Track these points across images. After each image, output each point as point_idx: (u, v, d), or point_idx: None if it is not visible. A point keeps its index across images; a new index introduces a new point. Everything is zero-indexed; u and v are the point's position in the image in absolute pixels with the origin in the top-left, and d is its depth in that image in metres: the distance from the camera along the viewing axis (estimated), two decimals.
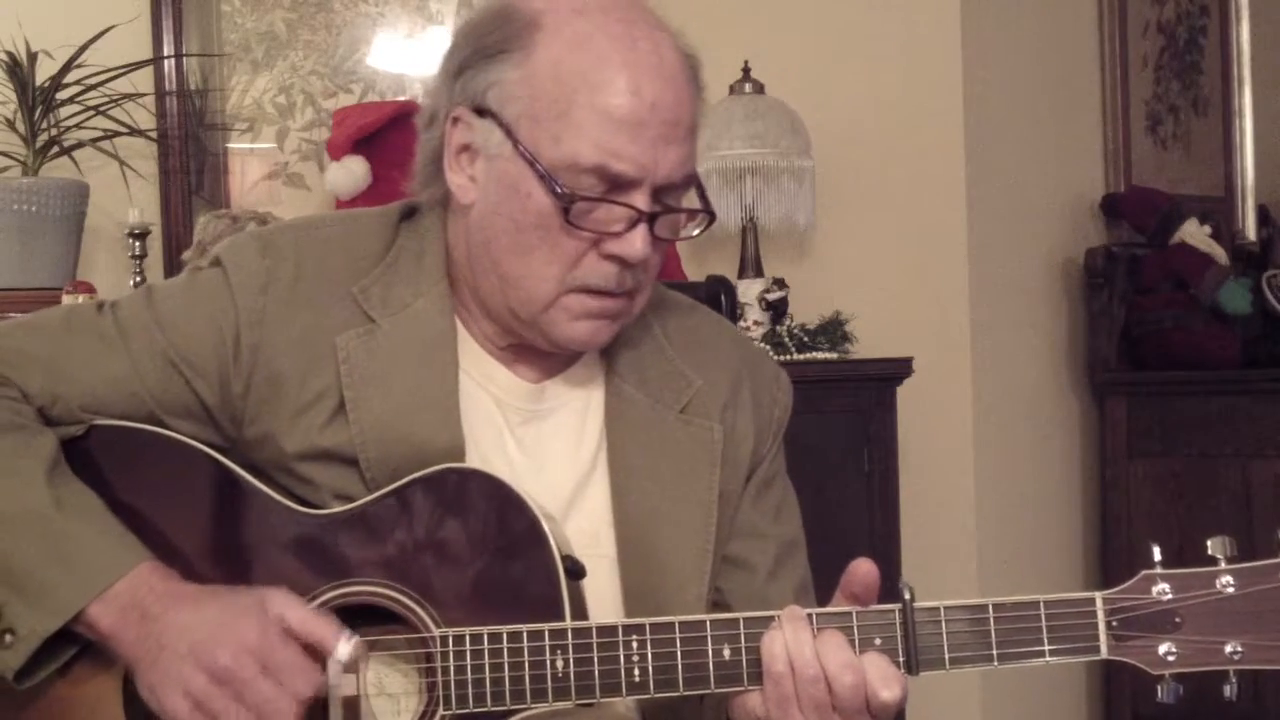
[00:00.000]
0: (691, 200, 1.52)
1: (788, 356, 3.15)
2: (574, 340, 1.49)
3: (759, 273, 3.37)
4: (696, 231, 1.54)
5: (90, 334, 1.51)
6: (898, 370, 3.19)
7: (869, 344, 3.26)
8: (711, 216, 1.54)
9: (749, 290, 3.30)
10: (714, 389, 1.59)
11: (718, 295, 2.98)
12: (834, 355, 3.20)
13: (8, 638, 1.37)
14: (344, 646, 1.36)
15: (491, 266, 1.49)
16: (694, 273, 3.38)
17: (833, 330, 3.22)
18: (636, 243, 1.43)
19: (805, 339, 3.20)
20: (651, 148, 1.41)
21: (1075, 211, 4.00)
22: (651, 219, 1.44)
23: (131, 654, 1.37)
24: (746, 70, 3.41)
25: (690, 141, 1.47)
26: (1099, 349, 3.90)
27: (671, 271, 3.29)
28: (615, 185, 1.42)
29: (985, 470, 3.60)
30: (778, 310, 3.27)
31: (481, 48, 1.47)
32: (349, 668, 1.37)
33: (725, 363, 1.62)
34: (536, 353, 1.55)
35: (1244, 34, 4.38)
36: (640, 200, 1.43)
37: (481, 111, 1.46)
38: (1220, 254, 3.93)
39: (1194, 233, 3.90)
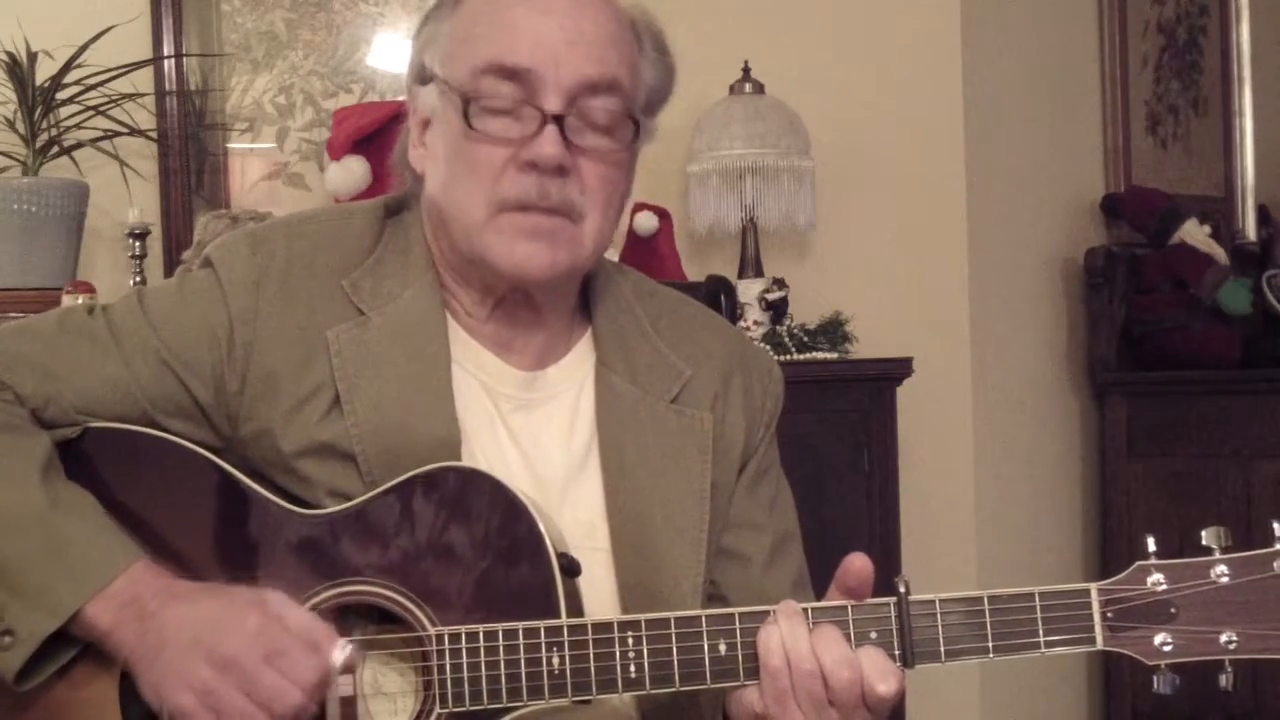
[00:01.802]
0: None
1: (788, 356, 3.15)
2: (514, 263, 1.48)
3: (759, 273, 3.37)
4: (618, 144, 1.50)
5: (83, 336, 1.52)
6: (898, 370, 3.19)
7: (869, 344, 3.27)
8: (636, 124, 1.52)
9: (749, 290, 3.30)
10: (704, 380, 1.59)
11: (718, 295, 2.99)
12: (834, 355, 3.20)
13: (7, 639, 1.37)
14: (339, 653, 1.36)
15: (441, 219, 1.52)
16: (694, 273, 3.38)
17: (833, 330, 3.23)
18: (546, 145, 1.44)
19: (805, 339, 3.20)
20: (552, 49, 1.44)
21: (1075, 211, 4.00)
22: (560, 121, 1.45)
23: (131, 652, 1.37)
24: (746, 70, 3.41)
25: (607, 51, 1.48)
26: (1099, 349, 3.90)
27: (671, 271, 3.29)
28: (522, 88, 1.45)
29: (985, 470, 3.60)
30: (778, 310, 3.27)
31: (423, 24, 1.55)
32: (344, 673, 1.37)
33: (716, 354, 1.62)
34: (526, 340, 1.56)
35: (1244, 34, 4.38)
36: (548, 102, 1.45)
37: (424, 78, 1.52)
38: (1220, 254, 3.93)
39: (1194, 233, 3.90)
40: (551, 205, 1.46)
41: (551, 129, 1.44)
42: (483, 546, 1.40)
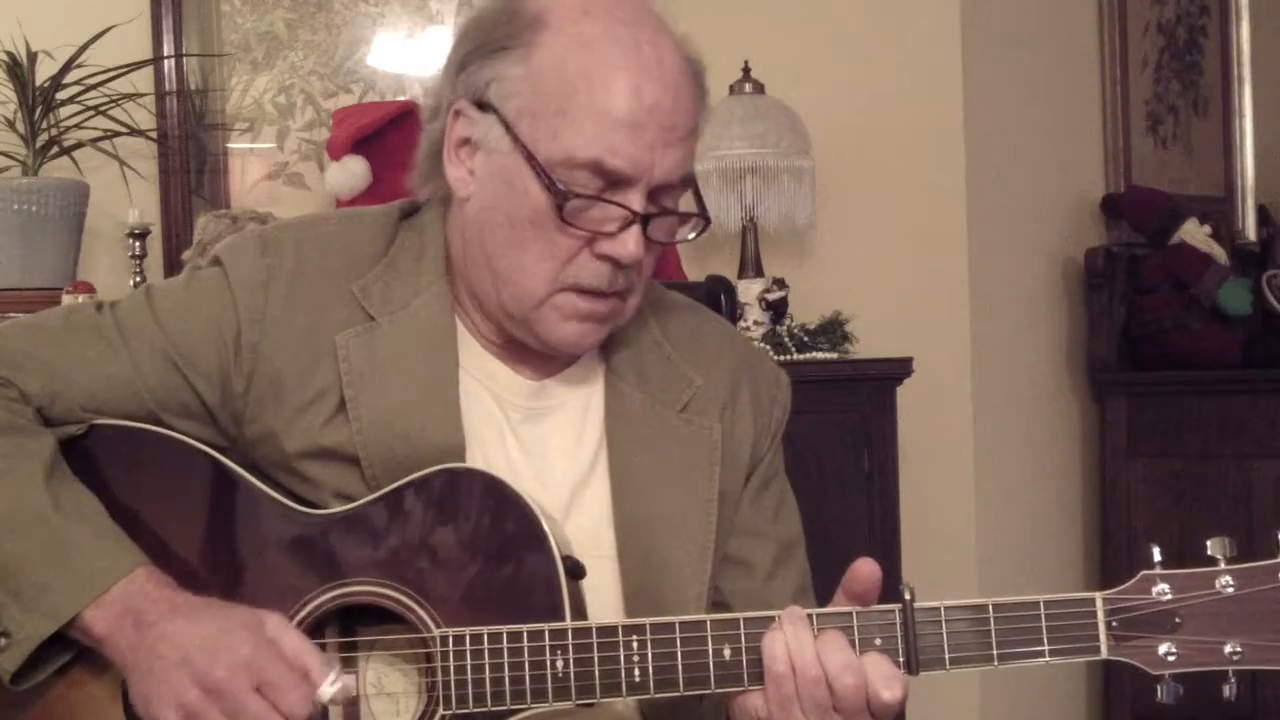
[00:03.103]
0: (688, 203, 1.52)
1: (788, 356, 3.15)
2: (563, 341, 1.49)
3: (759, 273, 3.37)
4: (691, 235, 1.53)
5: (90, 333, 1.51)
6: (898, 370, 3.19)
7: (869, 344, 3.26)
8: (706, 221, 1.52)
9: (749, 290, 3.29)
10: (713, 388, 1.59)
11: (718, 295, 2.98)
12: (834, 355, 3.20)
13: (4, 640, 1.37)
14: (327, 688, 1.35)
15: (485, 261, 1.50)
16: (694, 273, 3.37)
17: (833, 330, 3.22)
18: (629, 244, 1.43)
19: (805, 339, 3.20)
20: (649, 149, 1.42)
21: (1075, 211, 4.00)
22: (645, 220, 1.44)
23: (125, 660, 1.37)
24: (746, 70, 3.41)
25: (689, 144, 1.47)
26: (1099, 349, 3.90)
27: (671, 272, 3.29)
28: (610, 184, 1.43)
29: (985, 470, 3.60)
30: (778, 310, 3.27)
31: (485, 42, 1.48)
32: (332, 705, 1.37)
33: (725, 363, 1.62)
34: (536, 351, 1.55)
35: (1244, 34, 4.38)
36: (635, 201, 1.43)
37: (483, 105, 1.47)
38: (1220, 254, 3.93)
39: (1194, 233, 3.90)
40: (618, 290, 1.47)
41: (637, 229, 1.44)
42: (487, 548, 1.40)
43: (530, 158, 1.43)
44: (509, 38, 1.46)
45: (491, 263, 1.49)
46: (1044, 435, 3.87)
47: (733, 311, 3.11)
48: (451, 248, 1.55)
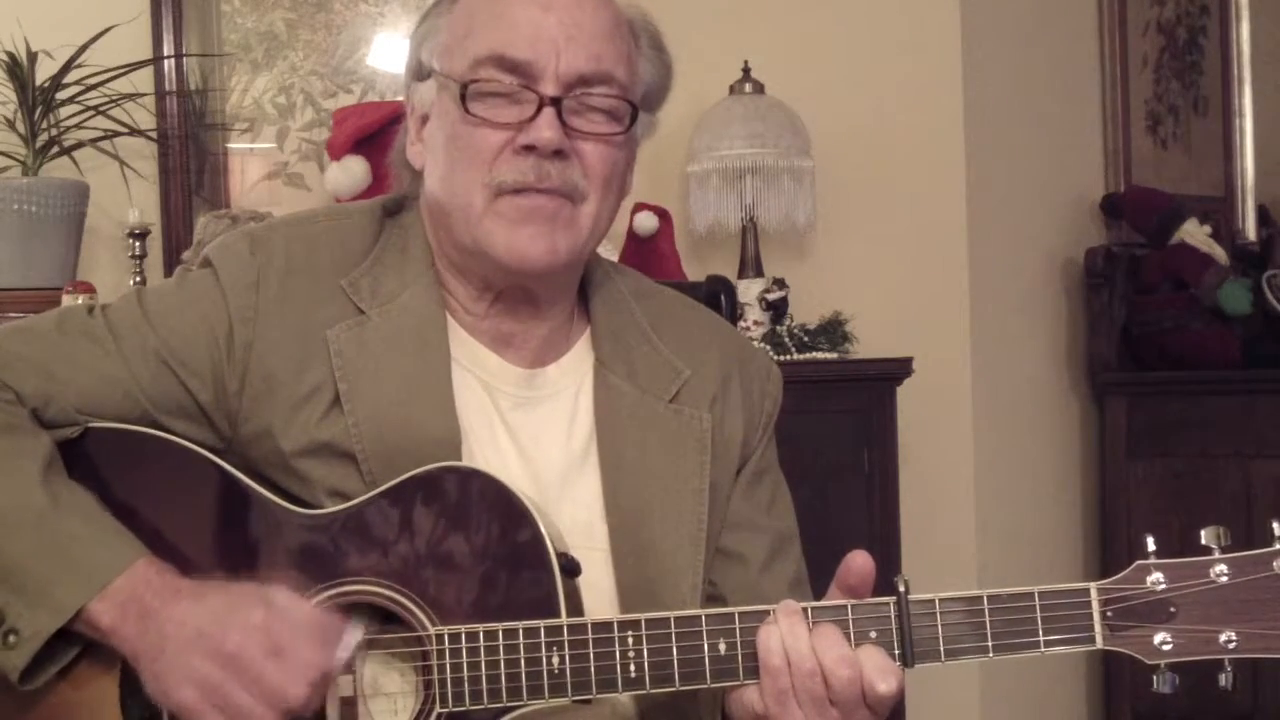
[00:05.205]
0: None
1: (788, 356, 3.15)
2: (517, 248, 1.48)
3: (759, 273, 3.38)
4: (616, 129, 1.51)
5: (82, 335, 1.51)
6: (898, 370, 3.19)
7: (869, 344, 3.27)
8: (633, 107, 1.52)
9: (749, 290, 3.30)
10: (703, 379, 1.60)
11: (718, 295, 2.99)
12: (834, 355, 3.21)
13: (11, 638, 1.37)
14: (349, 636, 1.35)
15: (439, 211, 1.53)
16: (694, 273, 3.38)
17: (833, 330, 3.23)
18: (543, 129, 1.45)
19: (805, 339, 3.21)
20: (550, 43, 1.46)
21: (1075, 211, 4.00)
22: (557, 104, 1.46)
23: (133, 649, 1.37)
24: (746, 70, 3.41)
25: (604, 46, 1.49)
26: (1099, 349, 3.90)
27: (671, 271, 3.30)
28: (520, 78, 1.47)
29: (985, 470, 3.60)
30: (778, 310, 3.27)
31: (421, 22, 1.57)
32: (350, 663, 1.37)
33: (714, 354, 1.62)
34: (526, 336, 1.57)
35: (1244, 34, 4.38)
36: (545, 88, 1.46)
37: (422, 76, 1.54)
38: (1220, 254, 3.93)
39: (1194, 233, 3.90)
40: (552, 186, 1.47)
41: (549, 111, 1.46)
42: (483, 546, 1.40)
43: (445, 77, 1.49)
44: (436, 4, 1.55)
45: (442, 205, 1.52)
46: (1044, 435, 3.87)
47: (733, 311, 3.11)
48: (425, 229, 1.57)
